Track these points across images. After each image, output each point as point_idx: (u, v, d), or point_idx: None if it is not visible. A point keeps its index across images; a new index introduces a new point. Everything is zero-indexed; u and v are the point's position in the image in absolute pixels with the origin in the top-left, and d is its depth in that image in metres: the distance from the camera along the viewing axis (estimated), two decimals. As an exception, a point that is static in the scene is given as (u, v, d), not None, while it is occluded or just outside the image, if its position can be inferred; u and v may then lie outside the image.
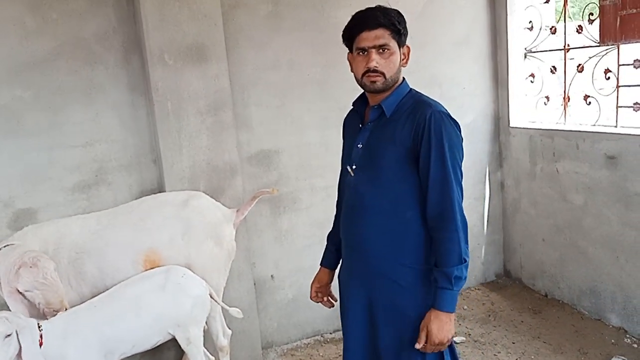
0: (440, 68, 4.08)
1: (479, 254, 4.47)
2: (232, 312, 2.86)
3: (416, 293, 1.98)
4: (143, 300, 2.55)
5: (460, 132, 1.96)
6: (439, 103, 1.98)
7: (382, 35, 1.89)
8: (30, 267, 2.41)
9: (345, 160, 2.16)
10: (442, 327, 1.87)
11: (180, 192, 3.08)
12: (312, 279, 2.42)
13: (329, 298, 2.42)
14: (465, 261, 1.87)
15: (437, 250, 1.92)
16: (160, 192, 3.25)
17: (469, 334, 3.74)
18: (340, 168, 2.25)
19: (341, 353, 3.53)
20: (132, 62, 3.25)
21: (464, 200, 1.95)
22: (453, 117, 1.95)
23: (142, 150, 3.33)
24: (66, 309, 2.50)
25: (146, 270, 2.73)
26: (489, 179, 4.44)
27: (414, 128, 1.89)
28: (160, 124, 3.17)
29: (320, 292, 2.39)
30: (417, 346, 1.92)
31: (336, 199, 2.39)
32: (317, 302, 2.42)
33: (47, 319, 2.47)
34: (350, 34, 1.95)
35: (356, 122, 2.14)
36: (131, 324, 2.51)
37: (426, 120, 1.87)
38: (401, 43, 1.95)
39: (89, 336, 2.41)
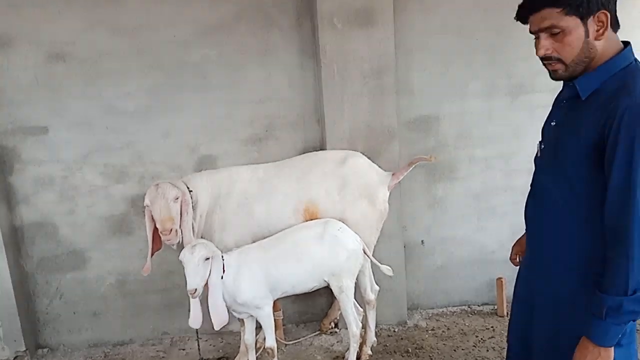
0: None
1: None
2: (383, 269, 2.97)
3: (575, 306, 1.68)
4: (304, 248, 2.79)
5: None
6: None
7: (548, 16, 1.56)
8: (155, 185, 2.82)
9: (541, 135, 1.86)
10: (584, 357, 1.58)
11: (340, 150, 3.24)
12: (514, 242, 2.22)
13: None
14: (634, 293, 1.49)
15: (604, 269, 1.57)
16: (321, 150, 3.43)
17: None
18: None
19: (488, 326, 3.52)
20: (304, 25, 3.43)
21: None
22: None
23: (307, 110, 3.54)
24: (177, 233, 2.77)
25: (305, 219, 2.98)
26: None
27: (604, 119, 1.52)
28: (325, 85, 3.34)
29: (520, 256, 2.18)
30: None
31: None
32: (516, 266, 2.17)
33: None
34: (519, 18, 1.67)
35: (562, 94, 1.79)
36: (292, 267, 2.78)
37: (618, 113, 1.48)
38: (586, 13, 1.54)
39: (257, 272, 2.74)
